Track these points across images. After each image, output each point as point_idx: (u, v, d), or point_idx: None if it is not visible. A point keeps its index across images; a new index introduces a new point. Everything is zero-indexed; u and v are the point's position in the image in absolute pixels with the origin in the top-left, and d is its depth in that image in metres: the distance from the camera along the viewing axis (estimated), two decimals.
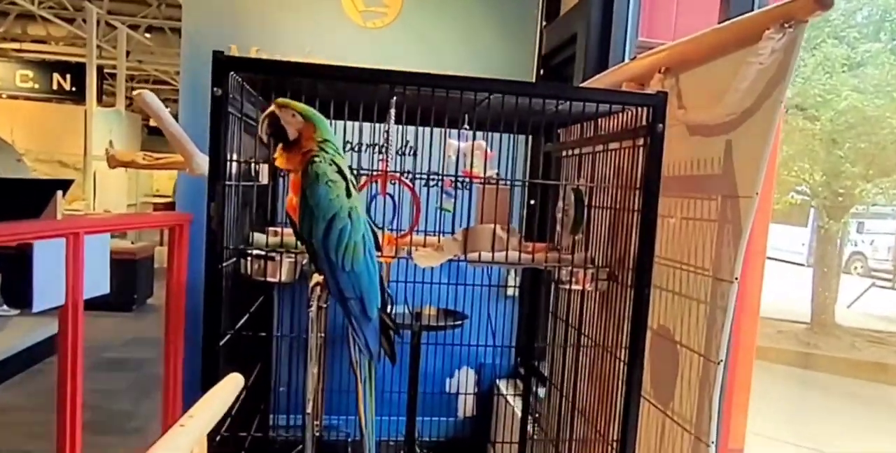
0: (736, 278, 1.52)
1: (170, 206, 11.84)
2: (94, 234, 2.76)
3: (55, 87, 9.70)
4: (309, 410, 1.53)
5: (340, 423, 3.29)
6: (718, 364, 1.54)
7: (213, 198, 1.48)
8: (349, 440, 3.35)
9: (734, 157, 1.56)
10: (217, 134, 1.48)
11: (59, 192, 3.06)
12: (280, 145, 1.53)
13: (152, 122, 15.02)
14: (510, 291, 3.67)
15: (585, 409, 1.99)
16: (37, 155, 9.10)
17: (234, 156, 1.62)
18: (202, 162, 2.24)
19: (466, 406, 3.78)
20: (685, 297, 1.72)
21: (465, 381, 3.76)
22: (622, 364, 1.74)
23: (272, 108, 1.49)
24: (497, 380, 3.70)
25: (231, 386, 1.08)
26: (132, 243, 7.09)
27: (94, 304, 2.68)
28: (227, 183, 1.56)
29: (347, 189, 1.52)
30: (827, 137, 6.68)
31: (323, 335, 1.56)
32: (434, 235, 2.10)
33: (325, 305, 1.53)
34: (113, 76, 11.16)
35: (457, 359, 3.70)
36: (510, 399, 3.26)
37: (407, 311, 3.37)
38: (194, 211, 3.39)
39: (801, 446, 4.59)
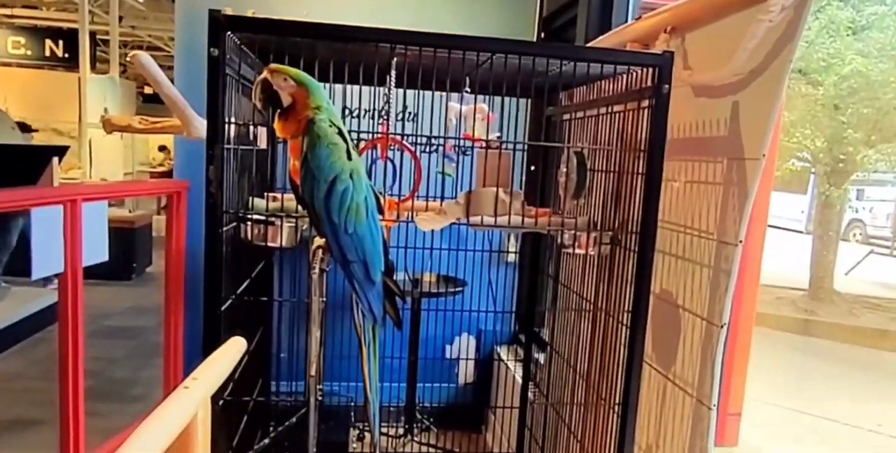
0: (740, 241, 1.50)
1: (165, 175, 11.79)
2: (91, 201, 2.74)
3: (48, 53, 9.55)
4: (313, 373, 1.52)
5: (342, 389, 3.31)
6: (721, 327, 1.53)
7: (211, 162, 1.46)
8: (352, 405, 3.37)
9: (741, 119, 1.53)
10: (214, 96, 1.45)
11: (55, 159, 3.02)
12: (277, 112, 1.50)
13: (147, 90, 14.88)
14: (510, 257, 3.67)
15: (587, 374, 2.00)
16: (31, 122, 9.01)
17: (232, 120, 1.59)
18: (200, 126, 2.21)
19: (466, 372, 3.80)
20: (688, 261, 1.70)
21: (464, 347, 3.77)
22: (624, 328, 1.73)
23: (264, 73, 1.46)
24: (496, 346, 3.72)
25: (234, 349, 1.07)
26: (130, 212, 7.06)
27: (92, 273, 2.67)
28: (226, 146, 1.53)
29: (348, 151, 1.50)
30: (829, 103, 6.61)
31: (324, 299, 1.55)
32: (434, 200, 2.09)
33: (326, 269, 1.51)
34: (106, 42, 10.98)
35: (456, 326, 3.72)
36: (510, 364, 3.28)
37: (407, 278, 3.37)
38: (192, 178, 3.36)
39: (798, 411, 4.64)
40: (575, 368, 2.11)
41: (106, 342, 4.72)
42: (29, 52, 9.54)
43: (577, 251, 1.70)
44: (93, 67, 9.80)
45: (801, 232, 13.76)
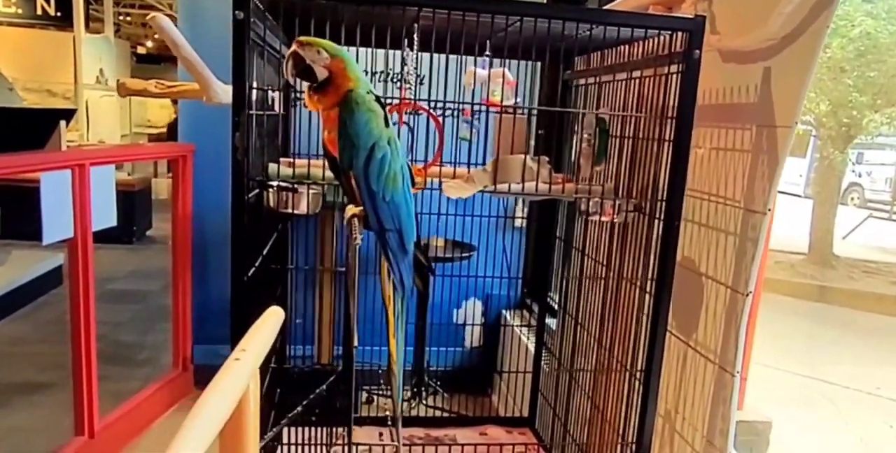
0: (769, 210, 1.50)
1: (162, 138, 11.66)
2: (99, 166, 2.71)
3: (39, 11, 9.32)
4: (356, 343, 1.53)
5: (365, 353, 3.32)
6: (747, 295, 1.54)
7: (237, 129, 1.43)
8: (359, 369, 3.41)
9: (773, 85, 1.51)
10: (241, 61, 1.42)
11: (63, 123, 2.98)
12: (309, 87, 1.46)
13: (140, 50, 14.58)
14: (517, 222, 3.66)
15: (605, 340, 2.01)
16: (24, 84, 8.85)
17: (254, 85, 1.56)
18: (220, 90, 2.17)
19: (473, 336, 3.83)
20: (712, 229, 1.70)
21: (472, 312, 3.80)
22: (646, 295, 1.74)
23: (293, 47, 1.42)
24: (504, 311, 3.75)
25: (274, 319, 1.07)
26: (129, 175, 7.00)
27: (95, 237, 2.66)
28: (253, 112, 1.51)
29: (385, 119, 1.47)
30: (836, 66, 6.54)
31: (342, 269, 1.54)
32: (451, 166, 2.07)
33: (361, 236, 1.50)
34: (99, 1, 10.75)
35: (464, 290, 3.73)
36: (517, 329, 3.30)
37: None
38: (197, 141, 3.33)
39: (798, 374, 4.71)
40: (592, 334, 2.12)
41: (111, 306, 4.72)
42: (20, 10, 9.32)
43: (604, 218, 1.70)
44: (86, 27, 9.61)
45: (798, 195, 13.79)
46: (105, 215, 2.81)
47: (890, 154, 12.74)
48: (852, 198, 13.70)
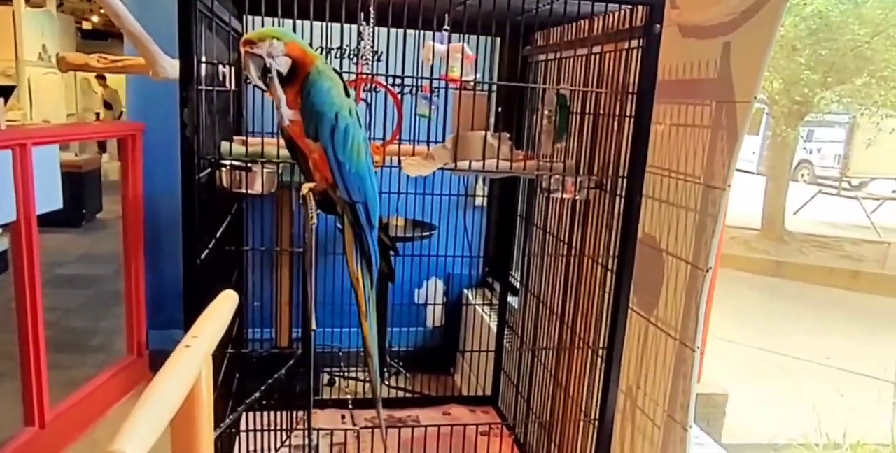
0: (728, 185, 1.50)
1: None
2: (42, 145, 2.60)
3: None
4: (314, 327, 1.49)
5: (325, 335, 3.29)
6: (707, 271, 1.54)
7: (185, 104, 1.37)
8: (321, 351, 3.37)
9: (732, 61, 1.50)
10: (187, 33, 1.35)
11: (0, 100, 2.84)
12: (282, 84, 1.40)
13: (86, 25, 14.04)
14: (478, 201, 3.64)
15: (567, 318, 2.01)
16: None
17: (203, 59, 1.49)
18: (167, 65, 2.08)
19: (435, 315, 3.82)
20: (672, 205, 1.70)
21: (433, 291, 3.78)
22: (607, 272, 1.73)
23: (243, 49, 1.35)
24: (465, 290, 3.74)
25: (227, 303, 1.03)
26: (76, 155, 6.77)
27: (41, 220, 2.56)
28: (202, 88, 1.44)
29: (345, 88, 1.43)
30: (788, 44, 6.63)
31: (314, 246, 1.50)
32: (410, 144, 2.03)
33: (316, 214, 1.46)
34: None
35: (425, 270, 3.71)
36: (479, 308, 3.30)
37: None
38: (147, 120, 3.22)
39: (752, 346, 4.82)
40: (554, 312, 2.12)
41: (61, 291, 4.58)
42: None
43: (565, 195, 1.68)
44: (26, 0, 9.22)
45: (752, 172, 14.06)
46: (49, 197, 2.70)
47: (838, 131, 13.03)
48: (802, 175, 14.02)
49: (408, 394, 3.20)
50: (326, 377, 3.47)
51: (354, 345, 3.43)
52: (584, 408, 1.85)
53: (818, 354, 4.68)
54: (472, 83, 1.89)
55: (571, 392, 1.97)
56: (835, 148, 13.41)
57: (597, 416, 1.73)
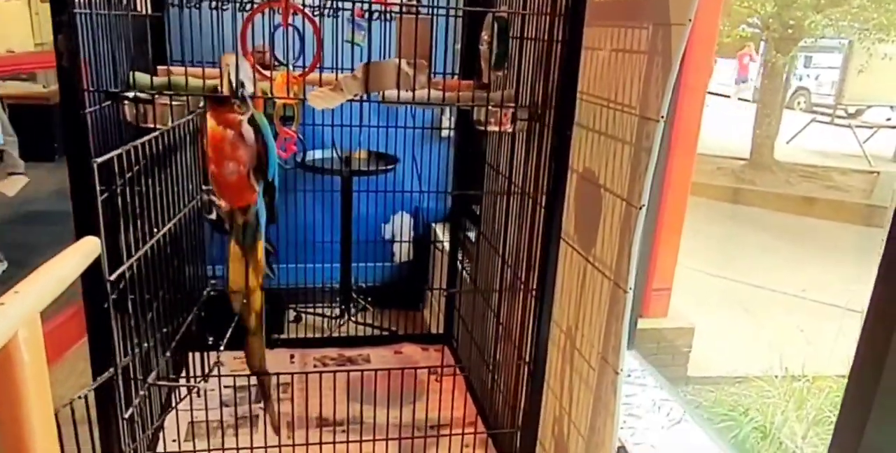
0: (662, 116, 1.38)
1: None
2: None
3: None
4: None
5: (290, 271, 3.22)
6: (640, 209, 1.45)
7: (59, 30, 1.24)
8: (283, 287, 3.31)
9: None
10: None
11: None
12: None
13: None
14: (444, 133, 3.52)
15: (507, 256, 1.93)
16: None
17: None
18: None
19: (402, 251, 3.76)
20: (610, 138, 1.59)
21: (400, 227, 3.70)
22: (540, 209, 1.64)
23: None
24: (433, 225, 3.66)
25: (80, 252, 0.94)
26: (44, 87, 6.56)
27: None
28: (80, 11, 1.31)
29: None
30: None
31: None
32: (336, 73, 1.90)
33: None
34: None
35: (390, 204, 3.63)
36: (446, 245, 3.23)
37: (336, 155, 3.21)
38: None
39: (730, 279, 4.80)
40: (497, 250, 2.04)
41: (28, 228, 4.51)
42: None
43: (494, 128, 1.57)
44: None
45: (749, 100, 13.77)
46: None
47: (838, 57, 12.63)
48: (798, 103, 13.71)
49: (370, 330, 3.17)
50: (293, 314, 3.44)
51: (319, 282, 3.39)
52: (521, 350, 1.79)
53: (794, 287, 4.66)
54: (407, 5, 1.75)
55: (513, 330, 1.92)
56: (833, 74, 13.05)
57: (530, 358, 1.68)
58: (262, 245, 1.71)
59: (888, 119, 11.63)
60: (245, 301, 1.71)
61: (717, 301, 4.32)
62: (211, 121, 1.47)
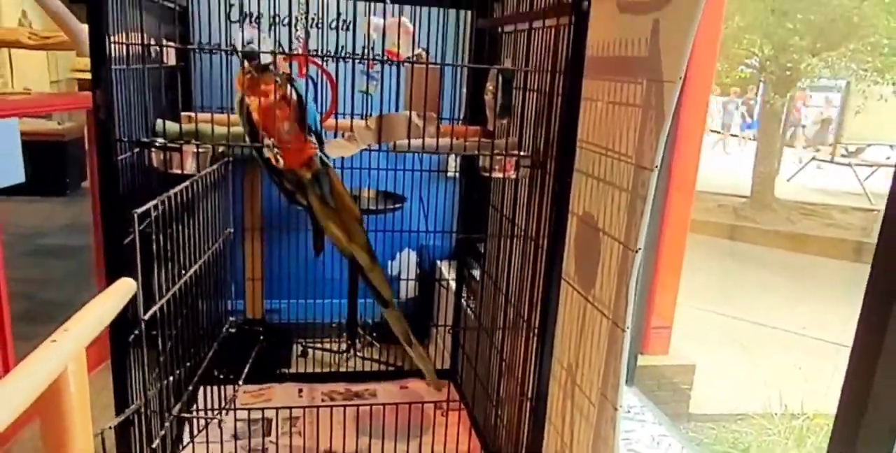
0: (656, 166, 1.48)
1: None
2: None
3: None
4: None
5: (283, 307, 3.32)
6: (636, 252, 1.53)
7: (97, 85, 1.34)
8: (293, 322, 3.38)
9: (660, 38, 1.47)
10: (98, 10, 1.32)
11: None
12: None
13: None
14: (450, 173, 3.61)
15: (513, 296, 2.01)
16: None
17: (123, 37, 1.46)
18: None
19: (408, 287, 3.82)
20: (608, 184, 1.68)
21: (406, 264, 3.78)
22: (542, 251, 1.72)
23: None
24: (438, 262, 3.73)
25: (118, 293, 1.03)
26: (59, 125, 6.72)
27: (21, 189, 2.54)
28: (117, 67, 1.42)
29: None
30: (779, 9, 6.51)
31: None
32: (357, 118, 2.00)
33: None
34: None
35: (398, 242, 3.70)
36: (452, 282, 3.30)
37: None
38: None
39: (729, 316, 4.84)
40: (500, 289, 2.12)
41: (40, 262, 4.57)
42: None
43: (498, 175, 1.66)
44: None
45: (752, 139, 13.92)
46: (10, 171, 2.69)
47: (834, 96, 12.83)
48: (799, 141, 13.87)
49: (382, 367, 3.22)
50: (300, 348, 3.50)
51: (328, 318, 3.46)
52: (523, 386, 1.86)
53: (794, 324, 4.70)
54: (414, 58, 1.86)
55: (515, 368, 1.98)
56: (832, 113, 13.24)
57: (533, 394, 1.74)
58: (338, 182, 1.84)
59: (888, 157, 11.76)
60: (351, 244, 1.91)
61: (717, 338, 4.36)
62: (254, 102, 1.63)
